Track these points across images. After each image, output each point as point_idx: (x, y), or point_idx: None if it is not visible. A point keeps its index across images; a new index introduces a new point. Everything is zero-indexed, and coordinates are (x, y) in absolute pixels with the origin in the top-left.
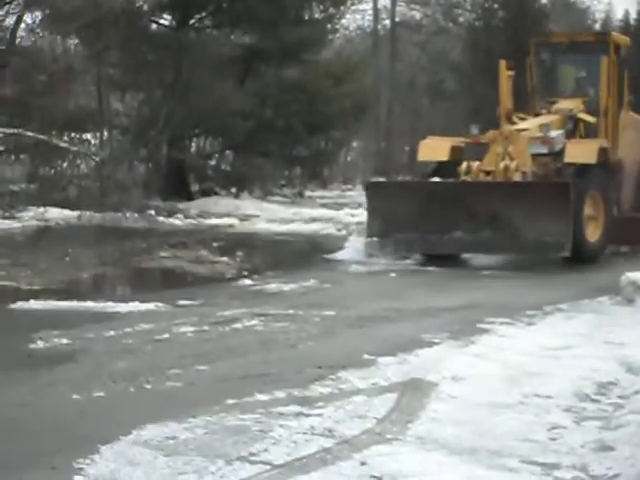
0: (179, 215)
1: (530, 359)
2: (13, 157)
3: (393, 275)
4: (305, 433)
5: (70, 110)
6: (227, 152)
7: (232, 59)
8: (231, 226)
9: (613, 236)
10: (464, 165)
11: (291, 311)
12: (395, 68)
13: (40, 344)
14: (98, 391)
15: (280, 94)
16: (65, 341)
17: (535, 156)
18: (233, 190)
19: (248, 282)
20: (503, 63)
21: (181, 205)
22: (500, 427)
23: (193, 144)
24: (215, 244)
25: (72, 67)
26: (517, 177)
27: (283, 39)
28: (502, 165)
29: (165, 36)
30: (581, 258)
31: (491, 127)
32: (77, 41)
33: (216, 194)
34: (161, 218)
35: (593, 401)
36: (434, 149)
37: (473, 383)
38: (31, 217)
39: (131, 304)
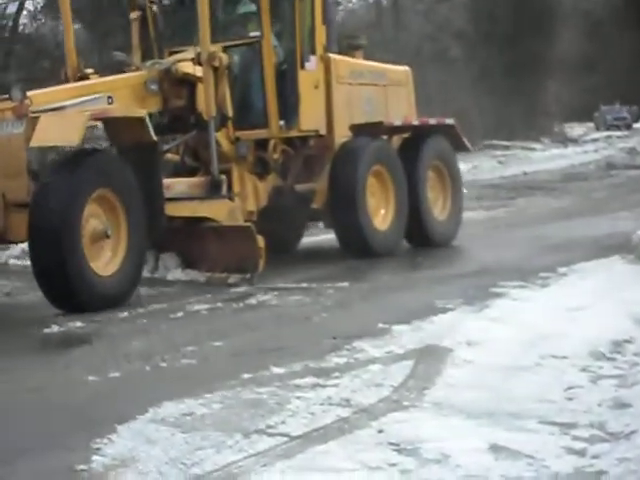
0: None
1: (545, 320)
2: None
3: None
4: (322, 404)
5: None
6: None
7: None
8: None
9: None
10: None
11: (304, 284)
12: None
13: (55, 328)
14: (114, 372)
15: None
16: (79, 324)
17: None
18: None
19: None
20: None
21: None
22: (517, 389)
23: None
24: None
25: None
26: None
27: None
28: None
29: None
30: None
31: None
32: (80, 26)
33: None
34: None
35: (609, 360)
36: None
37: (488, 347)
38: None
39: (141, 289)
